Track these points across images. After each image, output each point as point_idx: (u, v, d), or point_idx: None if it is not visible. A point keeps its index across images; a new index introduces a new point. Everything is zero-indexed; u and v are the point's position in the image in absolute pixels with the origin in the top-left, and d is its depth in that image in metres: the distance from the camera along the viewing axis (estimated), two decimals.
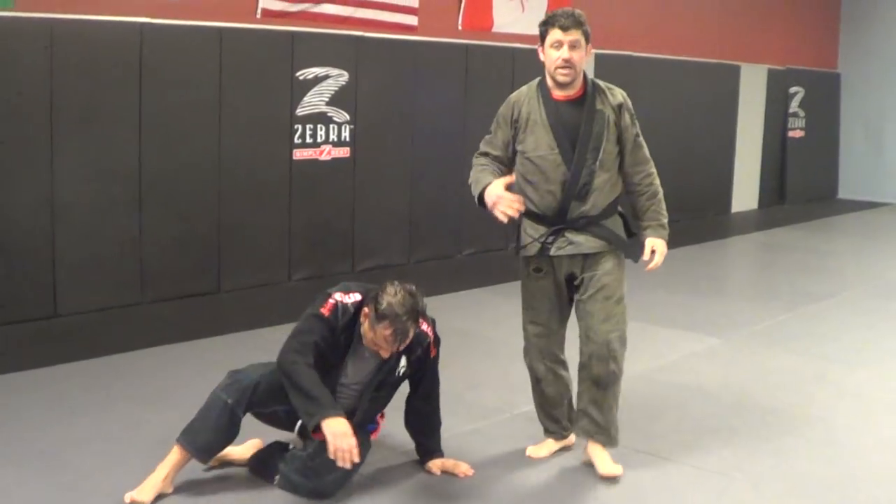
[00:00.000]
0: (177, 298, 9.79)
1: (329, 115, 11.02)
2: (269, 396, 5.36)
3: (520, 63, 12.72)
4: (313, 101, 10.82)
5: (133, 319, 9.17)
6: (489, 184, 5.59)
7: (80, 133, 9.05)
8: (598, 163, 5.68)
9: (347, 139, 11.26)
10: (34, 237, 8.90)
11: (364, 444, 5.48)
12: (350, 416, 5.31)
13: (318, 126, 10.92)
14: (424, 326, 5.60)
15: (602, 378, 5.83)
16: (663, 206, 5.99)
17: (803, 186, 20.03)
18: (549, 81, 5.77)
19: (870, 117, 20.87)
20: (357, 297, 5.46)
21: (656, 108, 15.39)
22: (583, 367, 5.89)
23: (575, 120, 5.70)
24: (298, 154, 10.73)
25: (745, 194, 18.65)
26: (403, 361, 5.60)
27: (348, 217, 11.43)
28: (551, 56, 5.67)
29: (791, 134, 19.65)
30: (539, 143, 5.73)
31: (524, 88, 5.93)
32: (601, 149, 5.68)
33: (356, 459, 5.13)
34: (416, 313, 5.33)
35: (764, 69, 18.67)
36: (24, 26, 8.63)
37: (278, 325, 8.55)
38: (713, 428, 6.76)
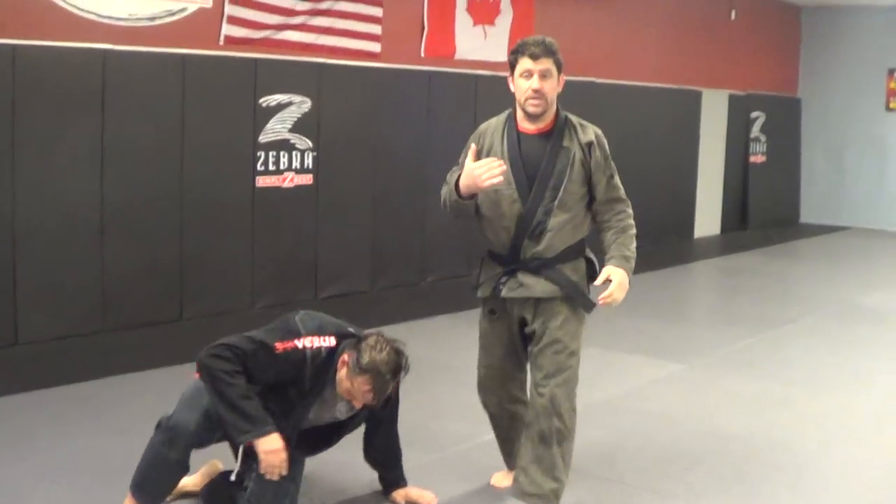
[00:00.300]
0: (139, 326, 9.74)
1: (292, 142, 11.00)
2: (209, 429, 5.11)
3: (482, 90, 12.75)
4: (276, 128, 10.80)
5: (95, 348, 9.11)
6: (459, 176, 5.39)
7: (42, 160, 9.00)
8: (556, 202, 5.39)
9: (310, 166, 11.24)
10: None
11: (298, 464, 5.38)
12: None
13: (281, 153, 10.90)
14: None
15: (546, 435, 5.43)
16: (631, 241, 5.62)
17: (765, 211, 20.12)
18: (519, 113, 5.51)
19: (830, 142, 21.01)
20: (331, 341, 5.23)
21: (618, 133, 15.35)
22: (528, 423, 5.55)
23: (538, 155, 5.44)
24: (261, 181, 10.71)
25: (707, 219, 18.72)
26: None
27: (311, 244, 11.41)
28: (521, 86, 5.40)
29: (753, 159, 19.74)
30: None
31: (493, 120, 5.68)
32: (561, 187, 5.39)
33: (284, 472, 4.99)
34: (399, 372, 5.20)
35: (725, 94, 18.77)
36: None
37: None
38: (677, 454, 6.77)
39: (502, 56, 13.44)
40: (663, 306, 12.02)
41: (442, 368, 8.56)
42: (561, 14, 14.67)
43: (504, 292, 5.52)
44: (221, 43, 10.43)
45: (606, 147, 5.59)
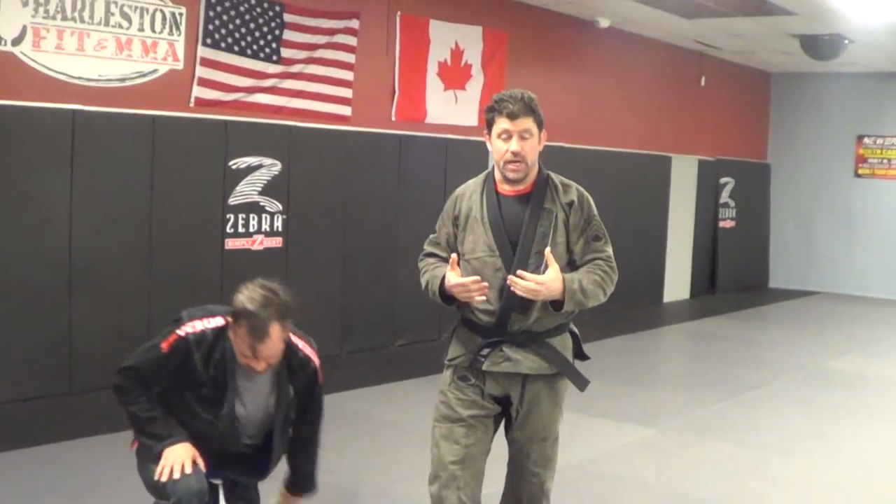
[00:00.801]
0: (106, 388, 9.60)
1: (262, 204, 10.98)
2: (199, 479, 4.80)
3: (453, 154, 12.77)
4: (246, 191, 10.78)
5: (61, 410, 9.03)
6: (444, 277, 4.93)
7: (10, 219, 8.95)
8: (542, 269, 4.83)
9: (280, 229, 11.21)
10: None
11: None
12: (232, 447, 4.99)
13: (251, 215, 10.87)
14: (308, 350, 5.17)
15: None
16: (595, 280, 4.98)
17: (734, 276, 20.18)
18: (498, 174, 5.06)
19: (799, 207, 21.12)
20: (218, 321, 4.89)
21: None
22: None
23: (520, 218, 4.96)
24: (231, 243, 10.67)
25: (676, 284, 18.75)
26: (290, 391, 5.07)
27: None
28: (499, 148, 4.94)
29: (722, 224, 19.82)
30: (477, 243, 5.01)
31: (471, 182, 5.23)
32: (545, 252, 4.87)
33: (188, 471, 4.73)
34: (276, 309, 4.73)
35: (695, 160, 18.86)
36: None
37: None
38: None
39: (473, 120, 13.50)
40: (634, 370, 12.01)
41: (410, 432, 8.51)
42: (531, 79, 14.69)
43: (487, 365, 4.97)
44: (192, 105, 10.42)
45: (592, 207, 5.12)
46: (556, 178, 5.16)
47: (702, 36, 16.78)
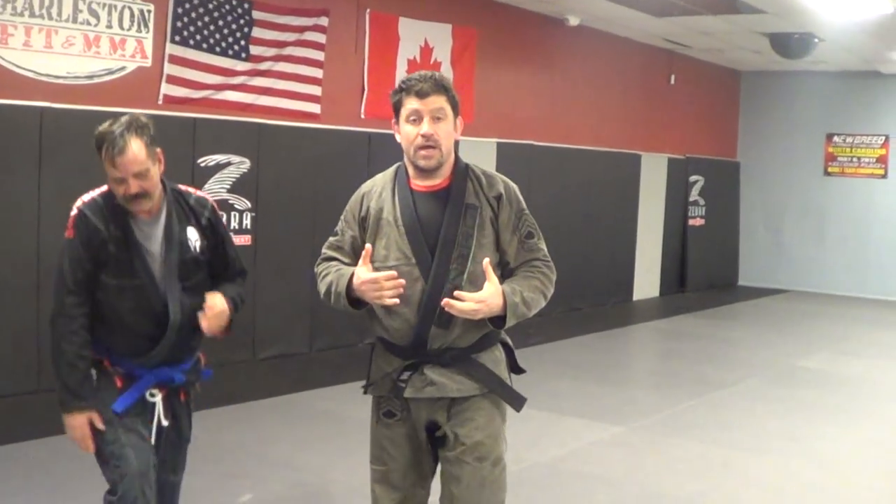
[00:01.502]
0: None
1: (230, 202, 10.94)
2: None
3: None
4: (214, 188, 10.73)
5: (30, 407, 8.98)
6: (352, 275, 4.36)
7: None
8: (465, 275, 4.28)
9: (249, 226, 11.17)
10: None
11: (187, 409, 5.12)
12: (165, 317, 4.79)
13: (220, 213, 10.81)
14: (198, 191, 5.18)
15: None
16: (534, 287, 4.42)
17: (704, 274, 20.20)
18: (410, 167, 4.46)
19: (769, 205, 21.19)
20: (103, 187, 4.86)
21: (558, 196, 15.52)
22: None
23: (438, 218, 4.36)
24: None
25: (646, 282, 18.76)
26: (194, 233, 4.97)
27: (249, 305, 11.19)
28: (408, 134, 4.35)
29: (692, 222, 19.84)
30: (390, 249, 4.38)
31: (379, 177, 4.61)
32: (469, 256, 4.31)
33: (89, 450, 4.82)
34: (133, 127, 4.70)
35: (664, 158, 18.88)
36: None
37: None
38: None
39: None
40: (603, 369, 12.01)
41: None
42: (501, 77, 14.72)
43: (409, 392, 4.38)
44: (160, 102, 10.37)
45: (521, 201, 4.52)
46: (477, 168, 4.54)
47: (672, 34, 16.80)
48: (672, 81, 18.89)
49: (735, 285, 21.36)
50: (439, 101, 4.35)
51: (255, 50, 11.17)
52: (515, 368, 4.68)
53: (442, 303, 4.21)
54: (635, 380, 12.29)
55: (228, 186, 10.88)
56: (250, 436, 8.37)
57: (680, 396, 10.44)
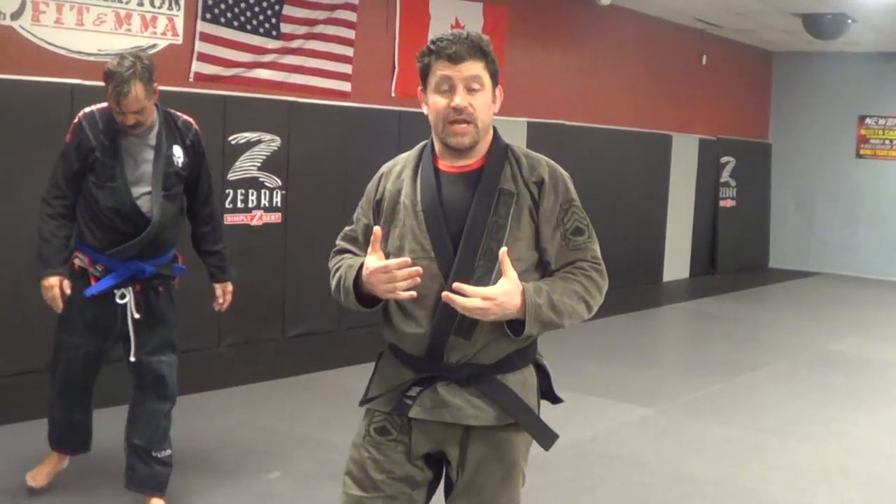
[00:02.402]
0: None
1: (261, 180, 10.94)
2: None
3: None
4: (245, 166, 10.74)
5: (40, 387, 8.99)
6: (362, 265, 3.64)
7: (8, 192, 8.92)
8: (493, 275, 3.50)
9: (279, 204, 11.17)
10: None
11: (165, 299, 6.02)
12: (147, 222, 5.65)
13: (250, 191, 10.83)
14: (187, 117, 5.95)
15: None
16: (582, 290, 3.68)
17: (734, 256, 20.13)
18: (438, 145, 3.73)
19: (800, 187, 21.06)
20: (104, 104, 5.68)
21: (588, 177, 15.44)
22: None
23: (466, 204, 3.62)
24: (229, 219, 10.62)
25: (676, 263, 18.70)
26: (178, 151, 5.78)
27: (279, 283, 11.33)
28: (437, 105, 3.60)
29: (722, 203, 19.76)
30: (405, 240, 3.66)
31: (403, 156, 3.89)
32: (500, 252, 3.48)
33: (58, 310, 5.71)
34: (139, 69, 5.42)
35: (696, 139, 18.80)
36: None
37: (207, 391, 8.49)
38: (647, 500, 6.72)
39: None
40: (632, 350, 11.98)
41: None
42: (531, 56, 14.66)
43: (416, 411, 3.65)
44: (191, 80, 10.37)
45: (570, 190, 3.78)
46: (519, 149, 3.78)
47: (703, 14, 16.72)
48: (704, 61, 18.77)
49: (765, 268, 21.28)
50: (475, 68, 3.58)
51: (285, 28, 11.15)
52: (550, 396, 3.89)
53: (442, 295, 3.45)
54: (664, 361, 12.26)
55: (259, 164, 10.88)
56: (279, 413, 8.38)
57: (709, 379, 10.41)
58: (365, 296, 3.70)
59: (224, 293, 6.25)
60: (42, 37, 9.17)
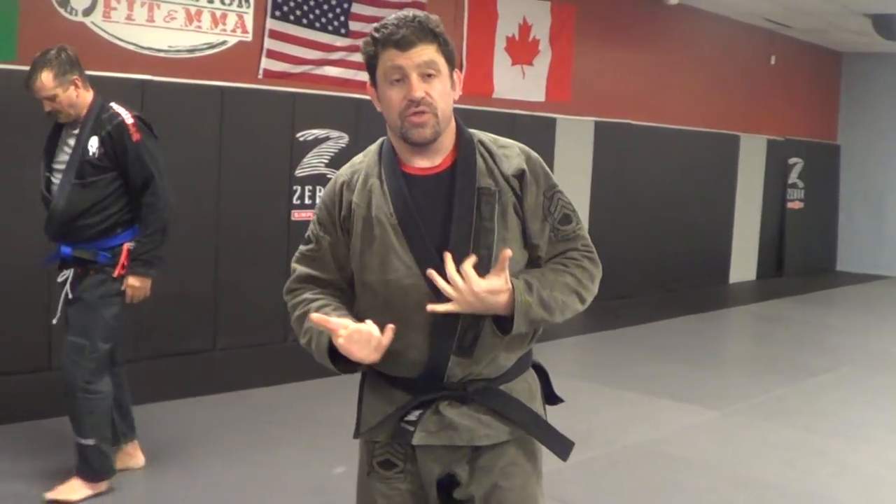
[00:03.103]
0: (171, 356, 9.71)
1: (328, 176, 10.95)
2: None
3: (519, 128, 12.70)
4: (313, 163, 10.80)
5: (128, 376, 9.07)
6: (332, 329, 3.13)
7: None
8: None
9: None
10: (34, 291, 8.84)
11: (94, 283, 6.06)
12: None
13: (318, 187, 10.87)
14: (122, 112, 6.04)
15: None
16: (574, 282, 3.29)
17: (801, 258, 19.98)
18: (397, 144, 3.31)
19: (869, 189, 20.85)
20: None
21: (655, 177, 15.44)
22: None
23: (442, 210, 3.22)
24: (297, 215, 10.68)
25: (743, 265, 18.60)
26: (94, 141, 5.93)
27: None
28: (391, 99, 3.19)
29: (790, 205, 19.63)
30: (386, 258, 3.22)
31: (359, 158, 3.48)
32: (491, 259, 3.16)
33: None
34: (51, 58, 5.90)
35: (763, 140, 18.69)
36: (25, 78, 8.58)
37: (273, 385, 8.55)
38: (712, 502, 6.67)
39: (540, 96, 13.49)
40: (698, 352, 11.93)
41: None
42: (600, 55, 14.63)
43: (420, 437, 3.26)
44: (260, 76, 10.44)
45: (549, 174, 3.38)
46: (485, 137, 3.41)
47: (772, 14, 16.62)
48: (773, 62, 18.66)
49: (833, 270, 21.10)
50: (428, 52, 3.16)
51: (354, 26, 11.19)
52: (551, 398, 3.55)
53: (427, 308, 3.09)
54: (730, 364, 12.20)
55: (327, 161, 10.92)
56: (346, 409, 8.39)
57: (775, 382, 10.33)
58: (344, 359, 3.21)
59: (129, 285, 6.13)
60: (113, 33, 9.28)
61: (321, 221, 3.41)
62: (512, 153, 3.31)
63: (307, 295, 3.43)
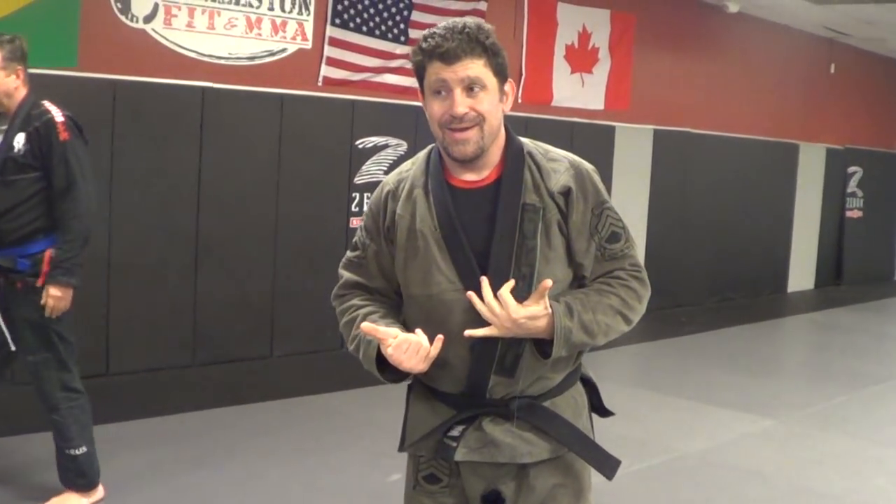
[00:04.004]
0: (229, 362, 9.78)
1: None
2: None
3: (578, 137, 12.72)
4: (371, 170, 10.84)
5: (184, 382, 9.16)
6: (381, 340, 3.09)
7: (141, 193, 9.10)
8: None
9: None
10: (90, 296, 8.92)
11: (18, 296, 5.71)
12: None
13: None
14: (52, 109, 5.71)
15: None
16: (619, 303, 3.19)
17: (860, 267, 19.84)
18: (444, 156, 3.24)
19: None
20: None
21: (714, 185, 15.39)
22: None
23: (487, 226, 3.14)
24: (355, 222, 10.72)
25: (801, 274, 18.50)
26: (21, 137, 5.63)
27: None
28: (433, 111, 3.14)
29: (849, 214, 19.50)
30: (428, 272, 3.18)
31: (407, 165, 3.42)
32: (533, 277, 3.09)
33: None
34: None
35: (823, 148, 18.58)
36: (86, 84, 8.68)
37: (330, 391, 8.61)
38: None
39: (599, 104, 13.49)
40: (756, 360, 11.88)
41: None
42: (659, 63, 14.61)
43: (462, 454, 3.22)
44: (320, 84, 10.49)
45: (599, 190, 3.25)
46: (537, 149, 3.28)
47: (832, 23, 16.54)
48: (832, 70, 18.56)
49: (892, 279, 20.95)
50: (474, 67, 3.05)
51: (413, 34, 11.23)
52: (600, 410, 3.48)
53: (465, 333, 3.06)
54: (788, 372, 12.15)
55: (385, 168, 10.96)
56: (402, 416, 8.43)
57: (832, 391, 10.29)
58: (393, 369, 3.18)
59: (51, 295, 5.62)
60: (174, 39, 9.35)
61: (367, 228, 3.38)
62: (560, 167, 3.20)
63: (355, 301, 3.40)
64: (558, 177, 3.17)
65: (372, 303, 3.35)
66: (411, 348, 3.06)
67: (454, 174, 3.20)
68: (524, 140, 3.28)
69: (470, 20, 3.09)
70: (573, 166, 3.21)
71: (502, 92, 3.15)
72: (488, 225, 3.11)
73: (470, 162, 3.14)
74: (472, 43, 3.03)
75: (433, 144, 3.30)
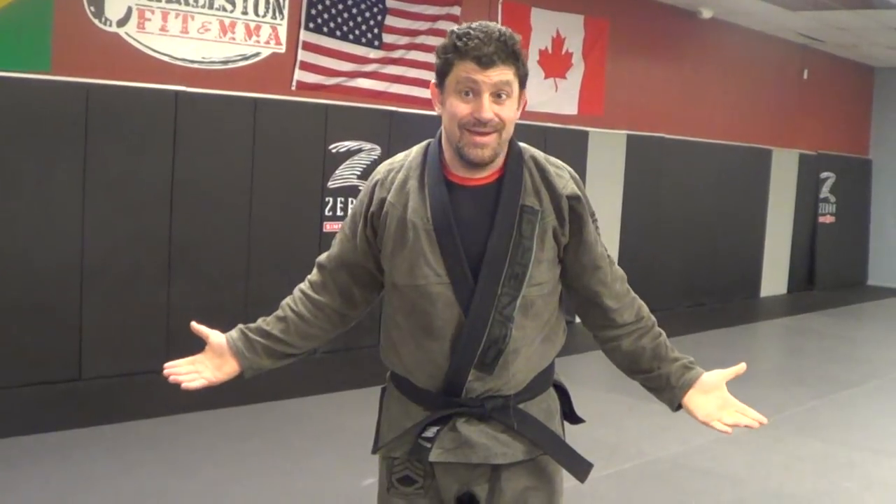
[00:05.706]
0: None
1: (360, 188, 10.98)
2: None
3: (552, 142, 12.70)
4: (345, 175, 10.85)
5: (157, 386, 9.13)
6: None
7: (112, 197, 9.08)
8: (518, 302, 3.13)
9: None
10: (62, 300, 8.91)
11: None
12: None
13: (350, 199, 10.93)
14: None
15: None
16: (662, 336, 3.47)
17: (833, 272, 19.92)
18: (448, 152, 3.20)
19: None
20: None
21: (686, 190, 15.44)
22: None
23: (484, 222, 3.13)
24: (329, 226, 10.73)
25: (774, 279, 18.56)
26: None
27: None
28: (456, 110, 3.08)
29: (821, 219, 19.57)
30: (416, 263, 3.16)
31: (400, 157, 3.40)
32: (526, 278, 3.13)
33: None
34: None
35: (795, 154, 18.65)
36: (59, 88, 8.67)
37: (302, 396, 8.60)
38: None
39: (573, 109, 13.52)
40: (728, 365, 11.77)
41: None
42: (632, 69, 14.66)
43: (437, 454, 3.20)
44: (293, 88, 10.50)
45: (590, 201, 3.29)
46: (538, 154, 3.30)
47: (806, 29, 16.62)
48: (805, 76, 18.65)
49: (864, 284, 21.03)
50: (506, 74, 3.05)
51: (387, 38, 11.25)
52: (571, 417, 3.50)
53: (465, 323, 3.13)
54: (759, 377, 12.14)
55: (359, 173, 10.97)
56: (375, 420, 8.44)
57: (805, 395, 10.33)
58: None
59: None
60: (147, 43, 9.35)
61: (354, 218, 3.37)
62: (563, 176, 3.22)
63: (289, 300, 3.81)
64: (565, 182, 3.20)
65: (300, 302, 3.80)
66: (193, 369, 3.59)
67: (453, 170, 3.19)
68: (522, 144, 3.30)
69: (502, 26, 3.10)
70: (573, 179, 3.25)
71: (520, 100, 3.15)
72: (485, 221, 3.12)
73: (481, 165, 3.12)
74: (508, 51, 3.03)
75: (430, 140, 3.33)
